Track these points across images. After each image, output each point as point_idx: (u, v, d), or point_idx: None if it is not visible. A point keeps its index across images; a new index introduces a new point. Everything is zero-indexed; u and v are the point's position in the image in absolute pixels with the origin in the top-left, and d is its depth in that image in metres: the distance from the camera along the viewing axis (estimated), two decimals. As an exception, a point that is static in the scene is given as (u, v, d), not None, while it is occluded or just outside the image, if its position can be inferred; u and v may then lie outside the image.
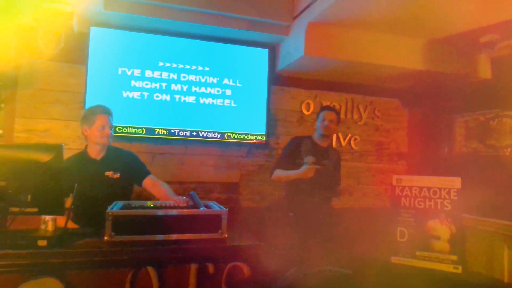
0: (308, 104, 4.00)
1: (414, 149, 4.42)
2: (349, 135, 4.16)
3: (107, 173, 2.44)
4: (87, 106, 3.17)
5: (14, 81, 3.17)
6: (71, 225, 2.19)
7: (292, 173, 2.91)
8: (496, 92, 3.75)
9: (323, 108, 3.18)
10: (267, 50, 3.77)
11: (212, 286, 1.84)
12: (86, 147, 2.51)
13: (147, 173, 2.57)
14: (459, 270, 3.54)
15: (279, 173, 3.00)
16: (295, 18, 3.41)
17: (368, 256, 3.58)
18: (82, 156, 2.50)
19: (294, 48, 3.40)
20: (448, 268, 3.58)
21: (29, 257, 1.64)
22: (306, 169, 2.82)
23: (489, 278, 3.48)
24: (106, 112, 2.45)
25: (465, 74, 3.71)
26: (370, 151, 4.27)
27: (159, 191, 2.47)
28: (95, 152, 2.49)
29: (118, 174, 2.46)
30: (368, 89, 4.23)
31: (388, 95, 4.33)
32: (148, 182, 2.53)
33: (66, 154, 2.28)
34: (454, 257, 3.58)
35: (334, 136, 4.10)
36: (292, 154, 3.02)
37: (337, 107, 4.11)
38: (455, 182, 3.69)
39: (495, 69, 3.76)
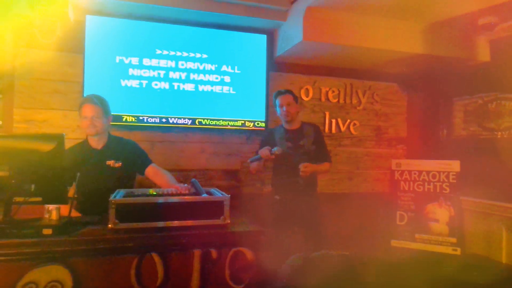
0: (307, 90, 4.00)
1: (413, 133, 4.43)
2: (348, 120, 4.17)
3: (108, 162, 2.45)
4: (85, 96, 3.16)
5: (12, 72, 3.15)
6: (74, 214, 2.22)
7: (256, 159, 2.96)
8: (495, 75, 3.74)
9: (277, 94, 3.05)
10: (265, 36, 3.74)
11: (216, 270, 1.87)
12: (87, 136, 2.52)
13: (149, 162, 2.58)
14: (458, 252, 3.60)
15: (251, 165, 3.05)
16: (292, 2, 3.38)
17: (369, 240, 3.62)
18: (83, 146, 2.52)
19: (292, 34, 3.38)
20: (447, 250, 3.63)
21: (35, 245, 1.66)
22: (265, 149, 2.85)
23: (487, 259, 3.54)
24: (91, 101, 2.40)
25: (463, 57, 3.71)
26: (369, 136, 4.28)
27: (161, 179, 2.49)
28: (95, 142, 2.50)
29: (120, 163, 2.47)
30: (367, 74, 4.22)
31: (387, 79, 4.33)
32: (150, 171, 2.54)
33: (66, 144, 2.29)
34: (453, 239, 3.63)
35: (327, 120, 4.08)
36: (264, 143, 3.03)
37: (336, 92, 4.10)
38: (454, 165, 3.72)
39: (494, 52, 3.76)
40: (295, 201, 2.97)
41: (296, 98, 3.05)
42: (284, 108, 2.96)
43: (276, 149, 2.83)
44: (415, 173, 3.88)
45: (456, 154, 3.99)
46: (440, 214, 3.73)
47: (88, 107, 2.39)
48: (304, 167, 2.83)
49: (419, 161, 3.92)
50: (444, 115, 4.33)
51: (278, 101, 3.01)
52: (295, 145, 2.97)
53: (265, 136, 3.14)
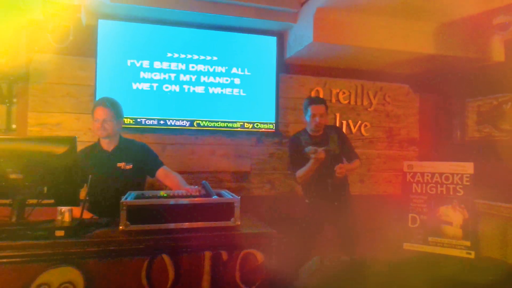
0: (318, 91, 3.98)
1: (425, 135, 4.37)
2: (359, 121, 4.13)
3: (119, 164, 2.47)
4: (97, 99, 3.20)
5: (26, 76, 3.20)
6: (86, 215, 2.25)
7: (307, 166, 2.90)
8: (510, 75, 3.67)
9: (310, 102, 3.02)
10: (275, 38, 3.74)
11: (227, 272, 1.86)
12: (99, 139, 2.55)
13: (160, 164, 2.59)
14: (472, 255, 3.53)
15: (300, 173, 2.98)
16: (302, 4, 3.37)
17: (381, 243, 3.58)
18: (95, 148, 2.55)
19: (303, 35, 3.37)
20: (461, 253, 3.57)
21: (48, 247, 1.68)
22: (314, 156, 2.82)
23: (502, 263, 3.46)
24: (103, 104, 2.44)
25: (477, 57, 3.65)
26: (381, 137, 4.24)
27: (171, 182, 2.50)
28: (106, 144, 2.53)
29: (131, 165, 2.48)
30: (378, 75, 4.18)
31: (398, 80, 4.28)
32: (161, 173, 2.55)
33: (78, 147, 2.31)
34: (467, 243, 3.57)
35: (338, 122, 4.07)
36: (297, 152, 3.02)
37: (347, 93, 4.08)
38: (468, 167, 3.67)
39: (508, 52, 3.68)
40: (325, 204, 3.00)
41: (327, 108, 3.07)
42: (317, 119, 2.95)
43: (309, 149, 2.85)
44: (427, 175, 3.83)
45: (470, 156, 3.93)
46: (454, 217, 3.67)
47: (100, 110, 2.42)
48: (339, 168, 2.84)
49: (432, 163, 3.87)
50: (457, 117, 4.26)
51: (311, 110, 2.97)
52: None
53: (292, 145, 3.11)
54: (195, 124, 3.52)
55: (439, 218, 3.73)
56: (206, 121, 3.55)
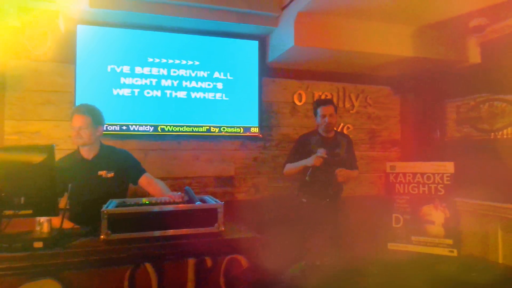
0: (300, 94, 4.00)
1: (406, 136, 4.44)
2: (342, 124, 4.17)
3: (100, 173, 2.41)
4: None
5: (2, 83, 3.12)
6: (67, 224, 2.19)
7: (301, 163, 3.00)
8: (486, 76, 3.77)
9: (319, 103, 3.15)
10: (257, 42, 3.75)
11: (211, 279, 1.85)
12: (78, 146, 2.48)
13: (142, 171, 2.55)
14: (455, 253, 3.60)
15: (289, 166, 3.11)
16: (283, 8, 3.39)
17: (366, 243, 3.62)
18: (74, 156, 2.48)
19: (284, 39, 3.39)
20: (444, 251, 3.64)
21: (26, 259, 1.63)
22: (315, 157, 2.90)
23: (484, 260, 3.54)
24: (79, 111, 2.38)
25: (455, 59, 3.73)
26: (363, 139, 4.29)
27: (154, 189, 2.46)
28: (86, 152, 2.46)
29: (112, 173, 2.44)
30: (360, 78, 4.23)
31: (379, 83, 4.34)
32: (144, 181, 2.52)
33: (58, 155, 2.26)
34: (449, 241, 3.64)
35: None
36: (302, 151, 3.08)
37: (329, 96, 4.11)
38: (448, 166, 3.74)
39: (484, 54, 3.79)
40: (323, 205, 3.07)
41: (336, 108, 3.15)
42: (327, 119, 3.04)
43: (322, 152, 2.91)
44: (409, 176, 3.89)
45: (450, 155, 4.01)
46: (436, 216, 3.74)
47: (76, 117, 2.37)
48: (340, 171, 2.98)
49: (414, 163, 3.94)
50: (437, 117, 4.35)
51: (320, 111, 3.08)
52: (331, 153, 3.03)
53: (300, 143, 3.17)
54: (177, 129, 3.49)
55: (422, 217, 3.79)
56: (188, 126, 3.52)
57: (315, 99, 3.98)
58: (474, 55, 3.78)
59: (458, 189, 3.71)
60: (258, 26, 3.51)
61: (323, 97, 4.08)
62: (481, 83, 3.86)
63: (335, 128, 3.29)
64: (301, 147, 3.12)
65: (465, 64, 3.84)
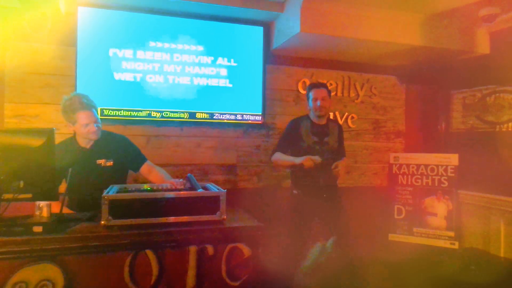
0: (305, 82, 3.94)
1: (411, 127, 4.40)
2: (346, 113, 4.12)
3: (99, 162, 2.34)
4: (78, 90, 3.10)
5: (2, 66, 3.07)
6: (66, 211, 2.16)
7: (290, 160, 2.88)
8: (494, 67, 3.70)
9: (312, 86, 3.00)
10: (262, 28, 3.67)
11: (212, 267, 1.83)
12: (74, 133, 2.39)
13: (143, 160, 2.50)
14: (456, 246, 3.59)
15: (277, 156, 2.95)
16: (290, -7, 3.32)
17: (367, 234, 3.60)
18: (71, 144, 2.38)
19: (289, 25, 3.32)
20: (445, 244, 3.62)
21: (25, 243, 1.61)
22: (307, 158, 2.74)
23: (485, 253, 3.53)
24: (87, 107, 2.28)
25: (463, 49, 3.66)
26: (367, 129, 4.24)
27: (155, 177, 2.43)
28: (84, 142, 2.38)
29: (111, 162, 2.36)
30: (365, 67, 4.17)
31: (385, 72, 4.28)
32: (145, 169, 2.47)
33: (58, 139, 2.22)
34: (451, 233, 3.62)
35: (331, 114, 4.05)
36: (291, 137, 2.97)
37: (334, 85, 4.05)
38: (452, 159, 3.70)
39: (493, 44, 3.71)
40: (315, 195, 2.95)
41: (329, 93, 3.01)
42: (319, 103, 2.90)
43: (316, 158, 2.77)
44: (413, 167, 3.86)
45: (455, 147, 3.97)
46: (438, 208, 3.71)
47: (86, 113, 2.27)
48: (335, 167, 2.83)
49: (417, 155, 3.90)
50: (442, 108, 4.29)
51: (312, 94, 2.95)
52: (320, 141, 2.94)
53: (289, 128, 3.03)
54: (180, 115, 3.44)
55: (424, 209, 3.77)
56: (191, 112, 3.47)
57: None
58: (483, 46, 3.70)
59: (462, 182, 3.68)
60: (263, 11, 3.44)
61: (327, 85, 4.02)
62: (489, 74, 3.79)
63: (327, 117, 3.12)
64: (291, 132, 2.98)
65: (473, 54, 3.76)
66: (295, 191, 3.02)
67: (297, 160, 2.80)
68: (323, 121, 3.01)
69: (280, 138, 3.10)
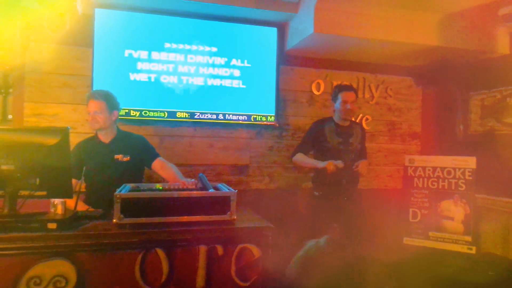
0: (319, 84, 3.92)
1: (427, 129, 4.32)
2: (361, 115, 4.07)
3: (116, 156, 2.47)
4: (93, 90, 3.16)
5: (22, 66, 3.15)
6: (82, 206, 2.23)
7: (313, 163, 2.93)
8: (515, 68, 3.60)
9: (341, 89, 3.01)
10: (276, 28, 3.67)
11: (222, 267, 1.83)
12: (96, 131, 2.55)
13: (156, 155, 2.60)
14: (473, 250, 3.50)
15: (299, 157, 3.00)
16: (304, -6, 3.30)
17: (381, 237, 3.55)
18: (93, 140, 2.56)
19: (303, 26, 3.30)
20: (462, 248, 3.53)
21: (39, 240, 1.65)
22: (330, 163, 2.77)
23: (504, 258, 3.43)
24: (94, 97, 2.46)
25: (481, 49, 3.57)
26: (382, 131, 4.18)
27: (168, 173, 2.48)
28: (103, 136, 2.54)
29: (128, 157, 2.49)
30: (380, 68, 4.11)
31: (401, 73, 4.21)
32: (157, 164, 2.55)
33: (75, 138, 2.29)
34: (468, 238, 3.53)
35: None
36: (315, 138, 3.00)
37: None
38: (470, 162, 3.61)
39: (514, 44, 3.61)
40: (336, 197, 2.96)
41: (357, 95, 3.06)
42: (348, 106, 2.93)
43: (339, 162, 2.79)
44: (429, 170, 3.78)
45: (473, 150, 3.87)
46: (455, 212, 3.63)
47: (91, 102, 2.44)
48: (356, 167, 2.89)
49: (434, 157, 3.82)
50: (460, 110, 4.19)
51: (341, 96, 2.96)
52: (345, 142, 2.97)
53: (313, 129, 3.07)
54: (193, 116, 3.47)
55: (440, 213, 3.69)
56: (204, 113, 3.49)
57: (332, 89, 3.89)
58: (503, 46, 3.60)
59: (479, 185, 3.59)
60: (277, 12, 3.43)
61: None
62: (509, 75, 3.68)
63: (352, 120, 3.17)
64: (315, 134, 3.02)
65: (493, 54, 3.67)
66: (316, 193, 3.03)
67: (320, 164, 2.83)
68: (347, 123, 3.05)
69: (302, 139, 3.14)
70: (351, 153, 2.98)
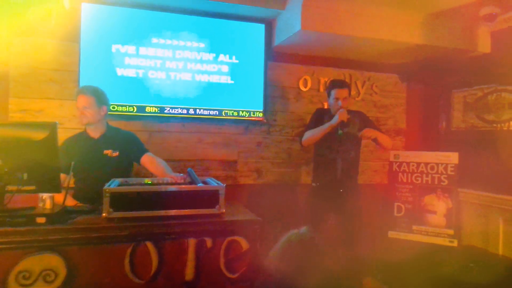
0: (306, 80, 3.96)
1: (412, 125, 4.41)
2: (347, 111, 4.13)
3: (106, 152, 2.48)
4: (81, 85, 3.14)
5: (7, 60, 3.11)
6: (71, 202, 2.23)
7: (325, 126, 2.94)
8: (495, 66, 3.70)
9: (334, 85, 3.06)
10: (263, 25, 3.69)
11: (211, 259, 1.87)
12: (86, 126, 2.55)
13: (145, 150, 2.61)
14: (455, 243, 3.60)
15: (308, 134, 3.02)
16: (291, -9, 3.33)
17: (366, 231, 3.62)
18: (82, 135, 2.56)
19: (291, 23, 3.34)
20: (444, 242, 3.64)
21: (28, 234, 1.66)
22: (339, 114, 2.84)
23: (484, 251, 3.54)
24: (82, 92, 2.47)
25: (464, 48, 3.66)
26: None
27: (156, 168, 2.49)
28: (92, 131, 2.54)
29: (117, 153, 2.50)
30: (366, 65, 4.18)
31: (386, 70, 4.29)
32: (146, 159, 2.55)
33: (62, 134, 2.28)
34: (450, 231, 3.64)
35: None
36: (318, 120, 3.06)
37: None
38: (452, 157, 3.71)
39: (494, 43, 3.71)
40: (334, 188, 3.02)
41: (350, 91, 3.10)
42: (340, 103, 2.97)
43: (342, 110, 2.89)
44: (413, 165, 3.87)
45: (455, 146, 3.98)
46: (438, 206, 3.73)
47: (80, 97, 2.44)
48: (367, 132, 2.92)
49: (418, 153, 3.91)
50: (443, 107, 4.30)
51: (334, 93, 3.00)
52: (342, 130, 3.00)
53: (316, 114, 3.17)
54: (181, 111, 3.47)
55: (423, 207, 3.78)
56: (193, 108, 3.50)
57: (324, 83, 3.94)
58: (484, 45, 3.70)
59: (461, 180, 3.69)
60: (265, 8, 3.45)
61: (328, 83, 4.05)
62: (490, 73, 3.79)
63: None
64: (318, 117, 3.09)
65: (474, 53, 3.77)
66: (314, 184, 3.10)
67: (332, 121, 2.89)
68: None
69: (309, 123, 3.17)
70: (349, 140, 3.03)
